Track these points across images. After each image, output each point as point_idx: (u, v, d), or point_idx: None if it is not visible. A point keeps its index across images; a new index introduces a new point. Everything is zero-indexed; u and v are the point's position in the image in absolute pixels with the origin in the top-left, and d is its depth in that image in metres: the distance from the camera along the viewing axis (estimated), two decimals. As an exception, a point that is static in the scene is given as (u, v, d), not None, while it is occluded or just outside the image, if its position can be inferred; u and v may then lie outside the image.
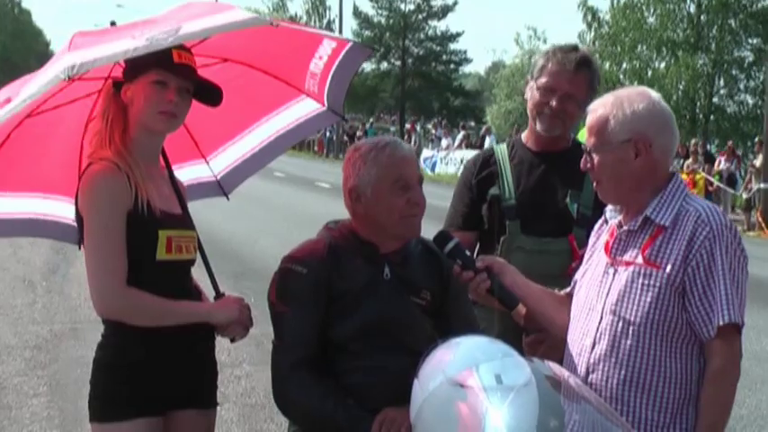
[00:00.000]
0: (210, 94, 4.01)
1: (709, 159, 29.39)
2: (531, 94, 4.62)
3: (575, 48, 4.64)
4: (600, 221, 3.95)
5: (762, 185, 25.55)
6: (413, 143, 41.47)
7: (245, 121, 4.68)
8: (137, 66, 3.76)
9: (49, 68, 3.73)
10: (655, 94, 3.71)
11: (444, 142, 43.09)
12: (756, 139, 30.32)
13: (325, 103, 4.49)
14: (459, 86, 75.06)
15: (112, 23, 4.02)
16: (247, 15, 3.72)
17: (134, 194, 3.77)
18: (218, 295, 4.12)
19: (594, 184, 3.76)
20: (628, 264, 3.65)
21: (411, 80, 70.55)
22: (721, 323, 3.46)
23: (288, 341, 3.77)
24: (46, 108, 4.05)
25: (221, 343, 4.16)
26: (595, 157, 3.68)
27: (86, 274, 3.81)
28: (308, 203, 25.86)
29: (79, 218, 3.88)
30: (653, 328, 3.56)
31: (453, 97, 73.34)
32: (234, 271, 13.53)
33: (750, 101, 47.09)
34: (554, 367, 3.26)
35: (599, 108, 3.70)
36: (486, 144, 39.86)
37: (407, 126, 53.85)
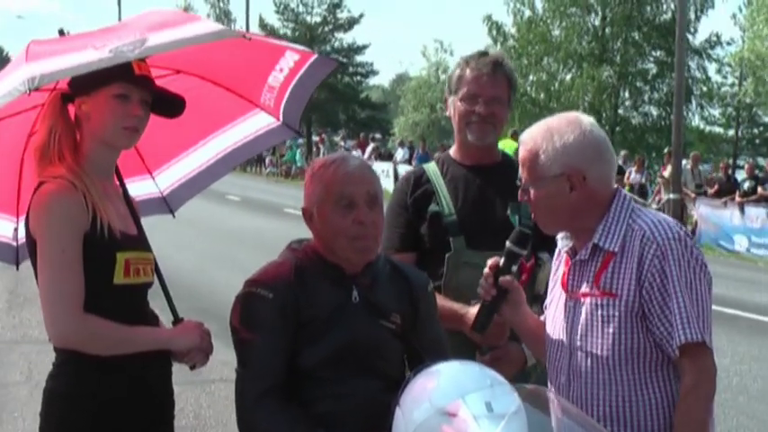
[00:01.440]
0: (169, 105, 3.82)
1: (620, 171, 29.75)
2: (455, 106, 4.55)
3: (485, 53, 4.60)
4: (557, 249, 3.84)
5: (671, 196, 25.91)
6: (321, 156, 41.30)
7: (194, 136, 4.48)
8: (93, 78, 3.51)
9: (4, 79, 3.49)
10: (586, 121, 3.59)
11: (355, 154, 42.98)
12: (666, 151, 30.77)
13: (281, 117, 4.31)
14: (366, 98, 75.19)
15: (61, 32, 3.78)
16: (217, 27, 3.52)
17: (91, 215, 3.54)
18: (177, 320, 3.93)
19: (533, 216, 3.68)
20: (584, 296, 3.55)
21: (317, 92, 70.40)
22: (680, 343, 3.35)
23: (254, 369, 3.57)
24: None
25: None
26: (531, 191, 3.58)
27: (41, 301, 3.56)
28: (220, 217, 25.63)
29: (31, 240, 3.61)
30: (622, 358, 3.46)
31: (360, 109, 73.46)
32: (150, 288, 13.17)
33: (654, 112, 48.00)
34: (541, 392, 3.15)
35: (528, 141, 3.59)
36: (399, 156, 39.98)
37: (315, 138, 53.75)
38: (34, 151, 3.68)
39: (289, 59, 4.06)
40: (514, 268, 3.79)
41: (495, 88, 4.46)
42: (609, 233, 3.50)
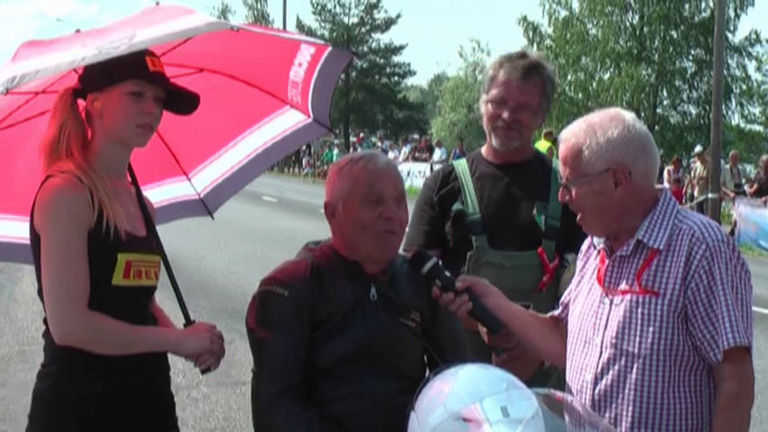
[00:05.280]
0: (183, 102, 3.73)
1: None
2: (485, 108, 4.49)
3: (523, 55, 4.50)
4: (586, 244, 3.76)
5: (710, 195, 25.69)
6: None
7: (227, 135, 4.41)
8: (107, 74, 3.47)
9: None
10: (629, 116, 3.50)
11: (391, 155, 43.01)
12: (696, 151, 30.56)
13: (311, 113, 4.25)
14: (404, 99, 75.22)
15: (77, 32, 3.75)
16: (206, 20, 3.41)
17: (97, 212, 3.46)
18: (188, 322, 3.81)
19: (578, 217, 3.56)
20: (624, 293, 3.45)
21: (355, 93, 70.59)
22: (726, 346, 3.27)
23: (270, 369, 3.54)
24: (13, 122, 3.78)
25: (176, 364, 3.89)
26: (573, 190, 3.49)
27: (45, 297, 3.47)
28: (255, 218, 25.66)
29: (35, 235, 3.53)
30: (659, 359, 3.36)
31: (398, 109, 73.50)
32: (182, 288, 13.19)
33: (693, 111, 47.70)
34: (560, 396, 3.09)
35: (570, 138, 3.50)
36: (436, 156, 39.94)
37: (353, 139, 53.81)
38: (43, 148, 3.59)
39: (305, 53, 3.98)
40: (439, 282, 3.64)
41: (524, 95, 4.37)
42: (654, 230, 3.42)
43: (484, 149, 4.64)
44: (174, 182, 4.45)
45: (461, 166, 4.61)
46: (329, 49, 3.99)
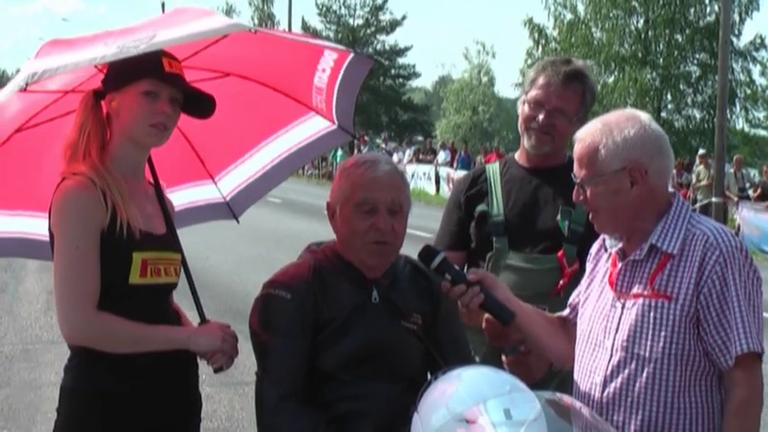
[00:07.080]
0: (201, 105, 3.75)
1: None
2: (522, 108, 4.46)
3: (567, 60, 4.48)
4: (597, 246, 3.76)
5: (714, 199, 25.69)
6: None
7: (253, 140, 4.44)
8: (124, 74, 3.51)
9: (14, 79, 3.52)
10: (645, 117, 3.50)
11: (395, 157, 43.01)
12: (699, 153, 30.51)
13: (335, 120, 4.26)
14: (408, 100, 75.14)
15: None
16: (225, 22, 3.47)
17: (110, 213, 3.50)
18: (203, 321, 3.83)
19: (590, 216, 3.56)
20: (636, 296, 3.44)
21: (359, 94, 70.46)
22: (739, 352, 3.26)
23: (274, 373, 3.54)
24: (39, 121, 3.83)
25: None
26: (588, 189, 3.47)
27: (55, 296, 3.53)
28: (259, 218, 25.56)
29: (51, 235, 3.60)
30: (670, 363, 3.36)
31: (402, 111, 73.42)
32: (185, 288, 13.20)
33: (698, 115, 47.63)
34: (564, 399, 3.09)
35: (587, 137, 3.48)
36: (441, 158, 39.87)
37: (357, 140, 53.69)
38: (65, 149, 3.64)
39: (328, 59, 4.00)
40: (449, 276, 3.64)
41: (562, 100, 4.34)
42: (668, 235, 3.42)
43: (518, 153, 4.64)
44: (200, 185, 4.50)
45: (493, 169, 4.62)
46: (351, 55, 4.02)
